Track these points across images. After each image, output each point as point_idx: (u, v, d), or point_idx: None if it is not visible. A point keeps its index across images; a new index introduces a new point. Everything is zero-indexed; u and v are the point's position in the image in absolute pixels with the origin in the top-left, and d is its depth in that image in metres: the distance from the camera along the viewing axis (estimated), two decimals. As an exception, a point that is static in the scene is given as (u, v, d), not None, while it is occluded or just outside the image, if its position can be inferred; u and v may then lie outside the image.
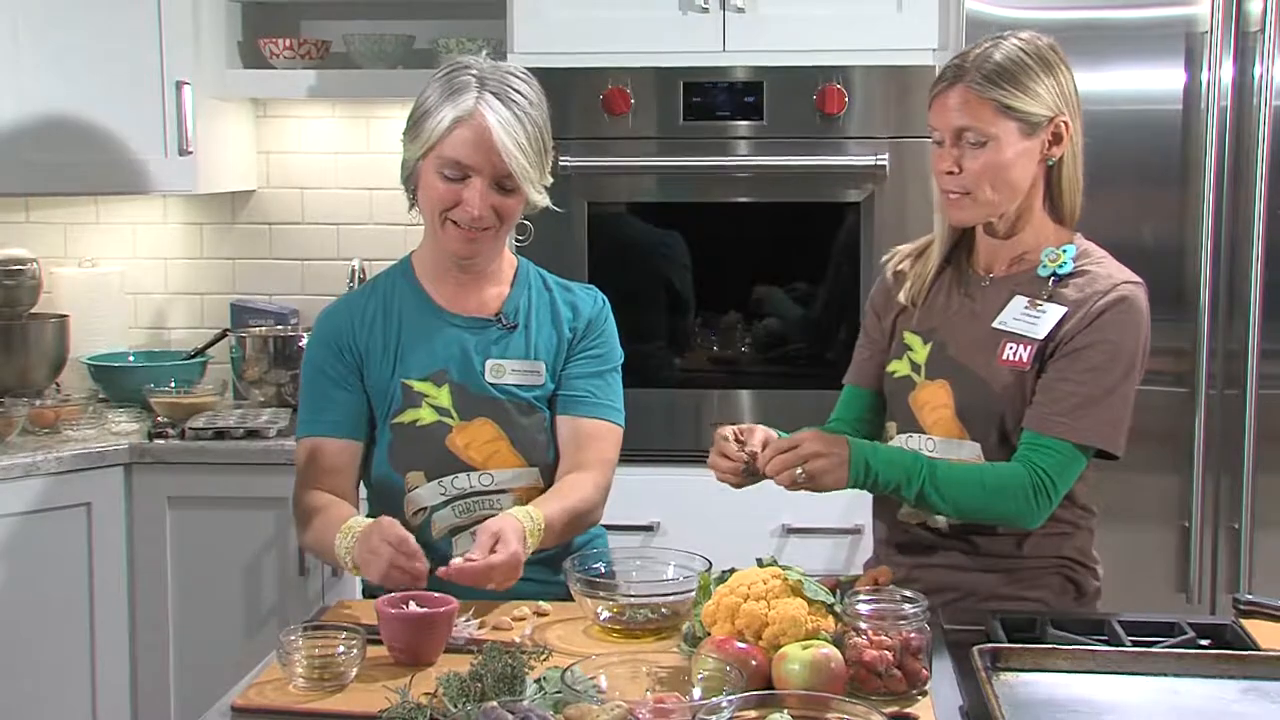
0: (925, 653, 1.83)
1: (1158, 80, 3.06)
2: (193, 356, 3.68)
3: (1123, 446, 2.17)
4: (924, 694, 1.80)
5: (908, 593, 1.89)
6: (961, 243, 2.31)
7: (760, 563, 1.95)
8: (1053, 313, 2.16)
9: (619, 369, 2.40)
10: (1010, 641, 1.93)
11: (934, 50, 3.18)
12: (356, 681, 1.84)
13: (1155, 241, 3.08)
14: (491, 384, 2.30)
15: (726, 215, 3.31)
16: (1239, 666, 1.84)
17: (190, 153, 3.43)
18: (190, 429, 3.30)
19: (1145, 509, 3.13)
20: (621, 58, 3.24)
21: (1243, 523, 3.09)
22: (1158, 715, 1.76)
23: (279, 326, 3.69)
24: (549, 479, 2.31)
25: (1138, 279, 2.20)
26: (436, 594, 1.99)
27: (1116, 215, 2.93)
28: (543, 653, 1.88)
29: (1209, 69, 3.02)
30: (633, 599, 2.06)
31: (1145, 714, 1.76)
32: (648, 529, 3.22)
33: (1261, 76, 3.00)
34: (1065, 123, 2.17)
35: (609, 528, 2.46)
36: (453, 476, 2.28)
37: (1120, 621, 1.98)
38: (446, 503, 2.28)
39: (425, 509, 2.29)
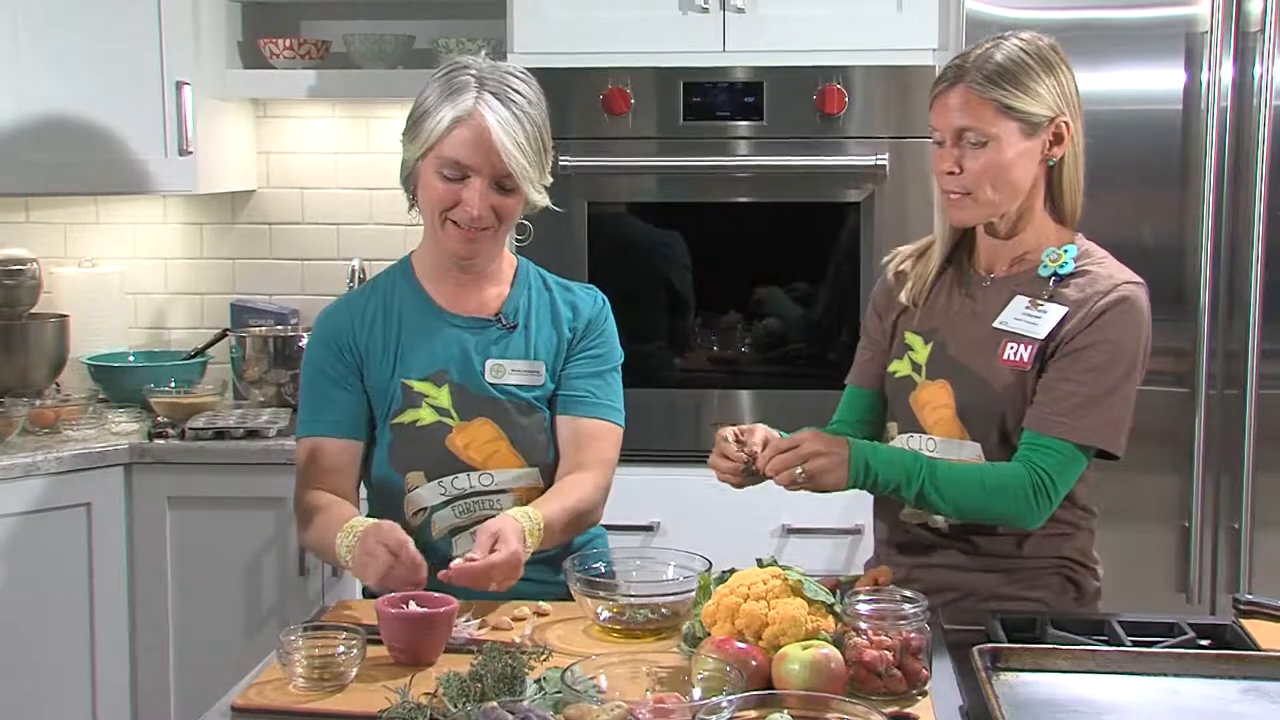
0: (925, 653, 1.83)
1: (1158, 80, 3.06)
2: (193, 356, 3.68)
3: (1123, 446, 2.17)
4: (924, 694, 1.80)
5: (908, 593, 1.89)
6: (963, 243, 2.31)
7: (760, 563, 1.95)
8: (1053, 313, 2.16)
9: (619, 369, 2.40)
10: (1010, 641, 1.93)
11: (934, 50, 3.18)
12: (356, 681, 1.84)
13: (1155, 241, 3.08)
14: (491, 384, 2.30)
15: (726, 215, 3.31)
16: (1239, 666, 1.84)
17: (190, 153, 3.43)
18: (190, 429, 3.30)
19: (1145, 509, 3.13)
20: (621, 58, 3.24)
21: (1243, 523, 3.09)
22: (1158, 715, 1.76)
23: (279, 326, 3.69)
24: (549, 479, 2.31)
25: (1139, 279, 2.20)
26: (436, 594, 1.99)
27: (1116, 215, 2.93)
28: (543, 653, 1.88)
29: (1209, 69, 3.02)
30: (633, 599, 2.06)
31: (1145, 714, 1.76)
32: (648, 529, 3.22)
33: (1261, 76, 3.00)
34: (1066, 123, 2.17)
35: (609, 528, 2.46)
36: (453, 477, 2.28)
37: (1120, 621, 1.98)
38: (446, 503, 2.28)
39: (425, 509, 2.29)
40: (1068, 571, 2.25)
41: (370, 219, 3.83)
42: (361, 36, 3.63)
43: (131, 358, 3.74)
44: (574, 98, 3.22)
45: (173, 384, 3.51)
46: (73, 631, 3.21)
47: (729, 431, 2.17)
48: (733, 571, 1.96)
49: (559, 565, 2.17)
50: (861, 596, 1.88)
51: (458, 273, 2.32)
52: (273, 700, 1.80)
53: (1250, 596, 2.16)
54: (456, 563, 2.03)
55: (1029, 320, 2.18)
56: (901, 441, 2.28)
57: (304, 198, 3.87)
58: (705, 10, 3.22)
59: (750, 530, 3.07)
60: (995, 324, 2.21)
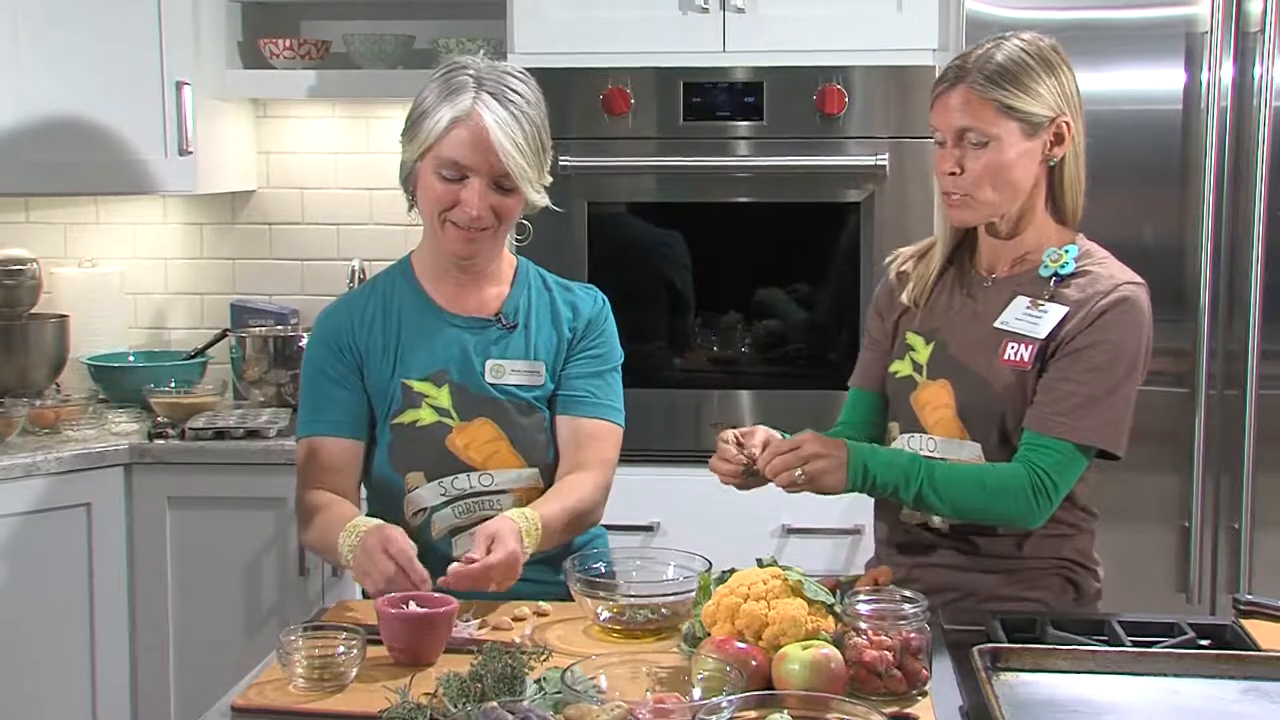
0: (925, 653, 1.83)
1: (1158, 80, 3.06)
2: (193, 356, 3.68)
3: (1124, 447, 2.17)
4: (924, 694, 1.80)
5: (908, 593, 1.89)
6: (964, 243, 2.31)
7: (760, 563, 1.95)
8: (1054, 313, 2.16)
9: (619, 369, 2.40)
10: (1010, 641, 1.93)
11: (934, 50, 3.18)
12: (356, 681, 1.84)
13: (1155, 241, 3.08)
14: (491, 384, 2.30)
15: (726, 215, 3.31)
16: (1239, 666, 1.84)
17: (190, 153, 3.43)
18: (190, 429, 3.30)
19: (1145, 509, 3.13)
20: (621, 58, 3.24)
21: (1243, 523, 3.09)
22: (1158, 715, 1.76)
23: (279, 326, 3.69)
24: (549, 479, 2.31)
25: (1139, 280, 2.20)
26: (436, 594, 1.99)
27: (1117, 215, 2.93)
28: (543, 653, 1.88)
29: (1209, 69, 3.02)
30: (633, 599, 2.05)
31: (1145, 714, 1.76)
32: (648, 529, 3.22)
33: (1261, 76, 3.00)
34: (1067, 123, 2.17)
35: (609, 528, 2.46)
36: (453, 477, 2.28)
37: (1120, 621, 1.98)
38: (446, 503, 2.28)
39: (425, 509, 2.29)
40: (1068, 572, 2.25)
41: (370, 219, 3.83)
42: (361, 36, 3.63)
43: (131, 358, 3.74)
44: (574, 98, 3.22)
45: (173, 384, 3.51)
46: (73, 631, 3.21)
47: (729, 434, 2.17)
48: (733, 571, 1.96)
49: (559, 565, 2.17)
50: (861, 596, 1.88)
51: (457, 273, 2.32)
52: (273, 700, 1.80)
53: (1250, 596, 2.16)
54: (454, 566, 2.03)
55: (1030, 320, 2.18)
56: (902, 441, 2.28)
57: (304, 198, 3.87)
58: (705, 10, 3.22)
59: (750, 530, 3.07)
60: (996, 324, 2.21)
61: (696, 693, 1.71)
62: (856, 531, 3.17)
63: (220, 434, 3.28)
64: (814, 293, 3.31)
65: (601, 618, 2.05)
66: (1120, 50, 3.06)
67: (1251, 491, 3.08)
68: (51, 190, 3.57)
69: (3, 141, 3.31)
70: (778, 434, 2.18)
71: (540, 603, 2.17)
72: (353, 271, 3.67)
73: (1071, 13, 3.05)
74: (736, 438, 2.17)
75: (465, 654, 1.89)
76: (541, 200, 2.26)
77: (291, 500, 2.41)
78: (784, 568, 1.90)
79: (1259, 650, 1.91)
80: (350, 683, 1.83)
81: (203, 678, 3.12)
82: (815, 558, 3.15)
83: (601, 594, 2.07)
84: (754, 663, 1.78)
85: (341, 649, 1.85)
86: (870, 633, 1.81)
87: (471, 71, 2.21)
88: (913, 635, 1.81)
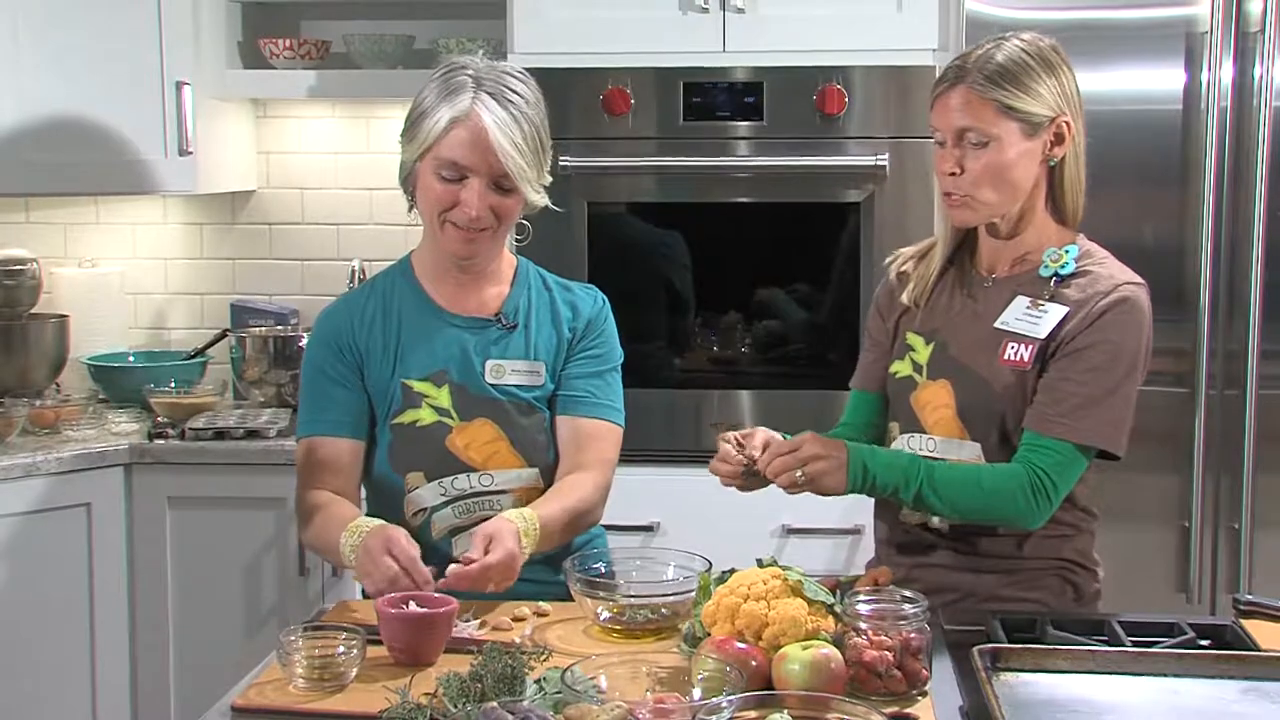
0: (925, 653, 1.83)
1: (1158, 80, 3.06)
2: (193, 357, 3.68)
3: (1124, 447, 2.17)
4: (924, 694, 1.80)
5: (908, 593, 1.89)
6: (964, 243, 2.31)
7: (760, 563, 1.95)
8: (1054, 313, 2.16)
9: (619, 369, 2.40)
10: (1010, 642, 1.93)
11: (934, 50, 3.18)
12: (356, 681, 1.84)
13: (1155, 241, 3.08)
14: (491, 384, 2.30)
15: (726, 215, 3.31)
16: (1239, 666, 1.84)
17: (190, 153, 3.43)
18: (190, 429, 3.30)
19: (1145, 509, 3.12)
20: (621, 58, 3.24)
21: (1243, 523, 3.09)
22: (1158, 715, 1.76)
23: (279, 327, 3.69)
24: (549, 479, 2.31)
25: (1140, 280, 2.20)
26: (436, 594, 1.99)
27: (1117, 215, 2.93)
28: (543, 653, 1.88)
29: (1209, 69, 3.02)
30: (633, 599, 2.05)
31: (1145, 714, 1.76)
32: (648, 529, 3.22)
33: (1261, 77, 3.00)
34: (1067, 123, 2.17)
35: (609, 528, 2.46)
36: (453, 477, 2.28)
37: (1120, 622, 1.98)
38: (446, 503, 2.28)
39: (425, 509, 2.29)
40: (1067, 573, 2.25)
41: (370, 219, 3.83)
42: (361, 36, 3.63)
43: (131, 358, 3.74)
44: (574, 98, 3.22)
45: (173, 384, 3.51)
46: (73, 631, 3.21)
47: (730, 436, 2.18)
48: (733, 572, 1.96)
49: (559, 565, 2.17)
50: (861, 597, 1.88)
51: (457, 273, 2.32)
52: (273, 700, 1.80)
53: (1250, 596, 2.16)
54: (453, 567, 2.03)
55: (1030, 320, 2.18)
56: (902, 441, 2.28)
57: (304, 198, 3.87)
58: (705, 10, 3.22)
59: (750, 530, 3.07)
60: (996, 324, 2.21)
61: (696, 693, 1.71)
62: (856, 532, 3.17)
63: (220, 434, 3.28)
64: (814, 293, 3.31)
65: (601, 618, 2.05)
66: (1120, 50, 3.06)
67: (1251, 491, 3.08)
68: (51, 190, 3.57)
69: (3, 141, 3.31)
70: (778, 435, 2.18)
71: (540, 603, 2.17)
72: (353, 271, 3.67)
73: (1071, 13, 3.05)
74: (737, 439, 2.17)
75: (465, 654, 1.89)
76: (541, 200, 2.26)
77: (291, 500, 2.41)
78: (784, 568, 1.90)
79: (1259, 650, 1.91)
80: (350, 683, 1.83)
81: (203, 678, 3.13)
82: (815, 558, 3.15)
83: (601, 594, 2.07)
84: (754, 663, 1.78)
85: (341, 649, 1.85)
86: (870, 633, 1.81)
87: (471, 72, 2.21)
88: (913, 635, 1.81)
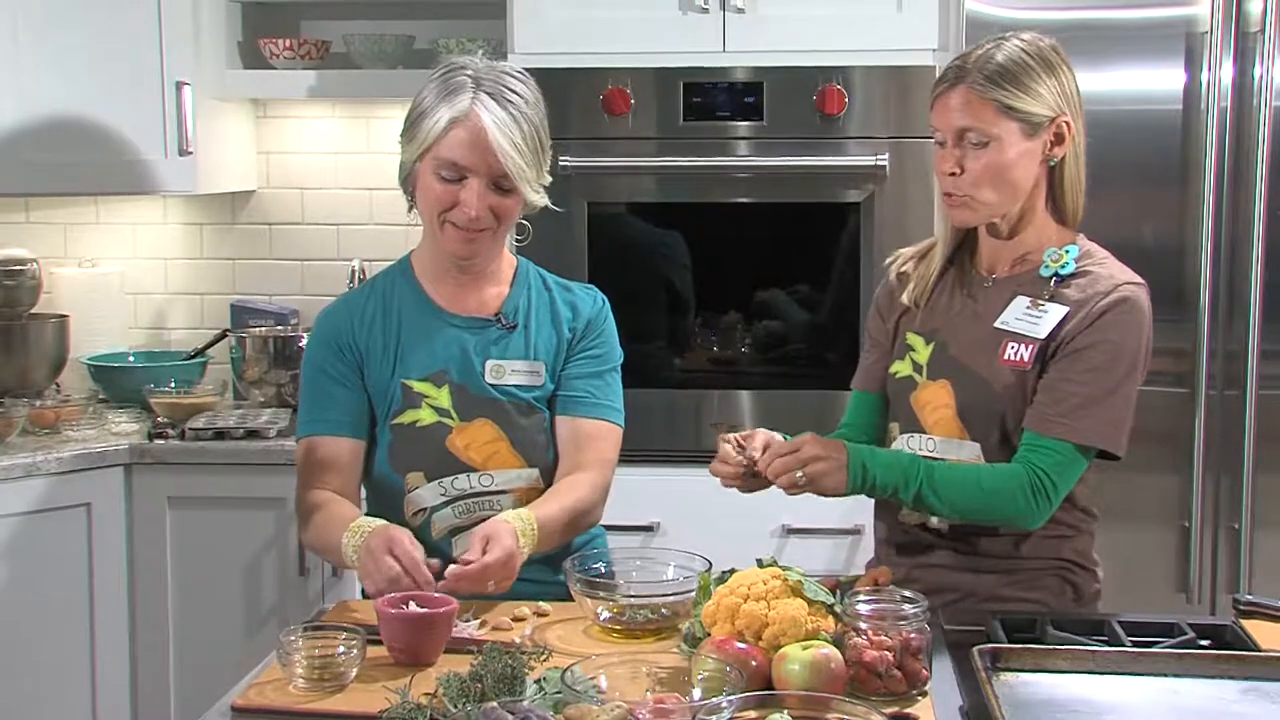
0: (925, 653, 1.82)
1: (1158, 80, 3.06)
2: (193, 357, 3.68)
3: (1124, 447, 2.17)
4: (924, 694, 1.80)
5: (908, 593, 1.89)
6: (964, 244, 2.31)
7: (760, 563, 1.94)
8: (1054, 312, 2.16)
9: (618, 369, 2.40)
10: (1010, 642, 1.93)
11: (934, 50, 3.18)
12: (356, 681, 1.84)
13: (1155, 241, 3.08)
14: (491, 385, 2.30)
15: (726, 215, 3.31)
16: (1239, 666, 1.84)
17: (190, 153, 3.43)
18: (190, 429, 3.30)
19: (1145, 509, 3.12)
20: (621, 58, 3.24)
21: (1243, 523, 3.09)
22: (1158, 715, 1.76)
23: (279, 327, 3.69)
24: (549, 480, 2.31)
25: (1140, 280, 2.20)
26: (436, 594, 1.99)
27: (1116, 215, 2.93)
28: (543, 653, 1.88)
29: (1209, 69, 3.02)
30: (633, 599, 2.05)
31: (1145, 714, 1.76)
32: (648, 529, 3.22)
33: (1261, 76, 3.00)
34: (1067, 123, 2.17)
35: (609, 528, 2.46)
36: (453, 477, 2.28)
37: (1120, 622, 1.98)
38: (446, 503, 2.28)
39: (425, 509, 2.29)
40: (1066, 573, 2.25)
41: (370, 219, 3.83)
42: (361, 36, 3.63)
43: (131, 358, 3.74)
44: (574, 98, 3.22)
45: (173, 384, 3.51)
46: (73, 631, 3.21)
47: (731, 437, 2.18)
48: (733, 572, 1.96)
49: (559, 565, 2.17)
50: (861, 597, 1.88)
51: (457, 273, 2.32)
52: (273, 700, 1.80)
53: (1250, 596, 2.16)
54: (452, 568, 2.03)
55: (1030, 320, 2.18)
56: (902, 441, 2.28)
57: (304, 198, 3.87)
58: (705, 10, 3.22)
59: (750, 530, 3.07)
60: (996, 324, 2.21)
61: (696, 693, 1.71)
62: (856, 532, 3.17)
63: (220, 434, 3.28)
64: (814, 293, 3.31)
65: (601, 618, 2.05)
66: (1120, 50, 3.06)
67: (1251, 491, 3.08)
68: (51, 190, 3.57)
69: (3, 141, 3.31)
70: (778, 436, 2.18)
71: (540, 603, 2.17)
72: (353, 271, 3.67)
73: (1071, 13, 3.05)
74: (738, 440, 2.17)
75: (465, 654, 1.89)
76: (540, 200, 2.26)
77: (291, 500, 2.41)
78: (784, 568, 1.90)
79: (1259, 650, 1.91)
80: (350, 683, 1.83)
81: (203, 678, 3.12)
82: (815, 558, 3.15)
83: (601, 594, 2.07)
84: (754, 663, 1.77)
85: (341, 649, 1.85)
86: (870, 633, 1.81)
87: (470, 72, 2.21)
88: (913, 635, 1.81)
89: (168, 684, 3.30)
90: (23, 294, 3.57)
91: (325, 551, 2.27)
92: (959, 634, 2.00)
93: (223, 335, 3.68)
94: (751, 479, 2.17)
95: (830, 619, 1.85)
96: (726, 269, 3.32)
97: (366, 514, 2.22)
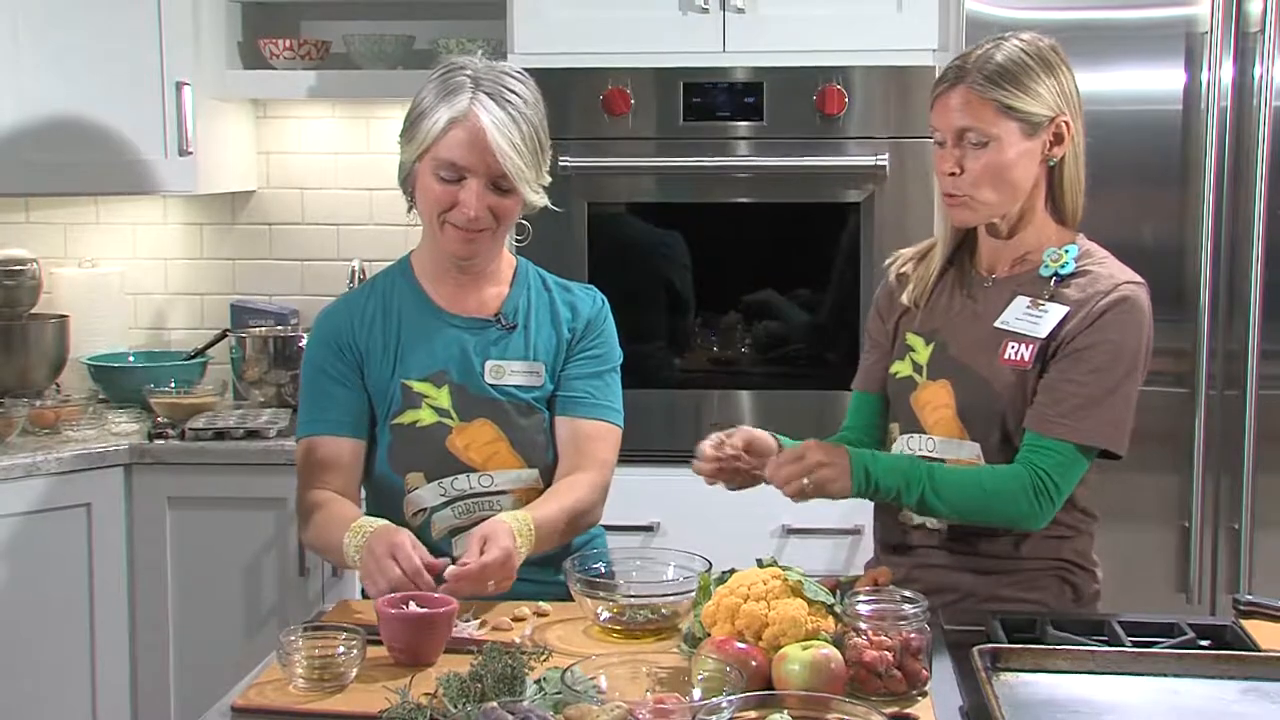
0: (925, 653, 1.82)
1: (1158, 80, 3.06)
2: (193, 357, 3.68)
3: (1126, 446, 2.17)
4: (924, 694, 1.80)
5: (908, 593, 1.89)
6: (964, 244, 2.31)
7: (760, 563, 1.95)
8: (1055, 312, 2.17)
9: (618, 369, 2.40)
10: (1010, 642, 1.93)
11: (934, 50, 3.18)
12: (356, 682, 1.84)
13: (1155, 241, 3.08)
14: (491, 385, 2.30)
15: (726, 216, 3.31)
16: (1239, 667, 1.84)
17: (190, 153, 3.43)
18: (190, 429, 3.30)
19: (1145, 509, 3.12)
20: (621, 58, 3.24)
21: (1243, 523, 3.09)
22: (1158, 715, 1.76)
23: (279, 327, 3.69)
24: (549, 480, 2.31)
25: (1139, 279, 2.20)
26: (436, 594, 1.99)
27: (1116, 215, 2.93)
28: (543, 653, 1.88)
29: (1209, 69, 3.02)
30: (633, 599, 2.06)
31: (1145, 714, 1.76)
32: (648, 529, 3.22)
33: (1261, 76, 3.00)
34: (1066, 123, 2.17)
35: (609, 528, 2.46)
36: (453, 478, 2.28)
37: (1120, 622, 1.98)
38: (446, 504, 2.28)
39: (425, 510, 2.29)
40: (1066, 574, 2.24)
41: (370, 219, 3.83)
42: (361, 37, 3.63)
43: (131, 358, 3.74)
44: (574, 98, 3.22)
45: (173, 384, 3.51)
46: (73, 631, 3.21)
47: (714, 435, 2.20)
48: (733, 572, 1.96)
49: (558, 565, 2.17)
50: (861, 597, 1.88)
51: (457, 273, 2.32)
52: (273, 700, 1.80)
53: (1250, 597, 2.16)
54: (451, 570, 2.02)
55: (1030, 320, 2.18)
56: (902, 442, 2.28)
57: (304, 198, 3.87)
58: (705, 10, 3.22)
59: (750, 530, 3.07)
60: (996, 324, 2.21)
61: (696, 693, 1.71)
62: (856, 532, 3.17)
63: (220, 434, 3.28)
64: (814, 293, 3.31)
65: (601, 618, 2.05)
66: (1120, 50, 3.06)
67: (1251, 491, 3.08)
68: (51, 190, 3.57)
69: (3, 141, 3.31)
70: (764, 434, 2.20)
71: (540, 603, 2.17)
72: (353, 272, 3.67)
73: (1071, 13, 3.05)
74: (722, 438, 2.19)
75: (465, 654, 1.89)
76: (540, 200, 2.26)
77: (291, 500, 2.41)
78: (784, 568, 1.90)
79: (1259, 650, 1.91)
80: (350, 683, 1.83)
81: (203, 678, 3.13)
82: (815, 558, 3.15)
83: (601, 594, 2.07)
84: (754, 663, 1.77)
85: (341, 649, 1.85)
86: (870, 633, 1.81)
87: (469, 72, 2.21)
88: (913, 635, 1.81)
89: (168, 684, 3.30)
90: (23, 294, 3.57)
91: (326, 551, 2.27)
92: (959, 634, 2.00)
93: (223, 335, 3.68)
94: (735, 475, 2.18)
95: (830, 619, 1.85)
96: (726, 269, 3.32)
97: (366, 514, 2.22)
